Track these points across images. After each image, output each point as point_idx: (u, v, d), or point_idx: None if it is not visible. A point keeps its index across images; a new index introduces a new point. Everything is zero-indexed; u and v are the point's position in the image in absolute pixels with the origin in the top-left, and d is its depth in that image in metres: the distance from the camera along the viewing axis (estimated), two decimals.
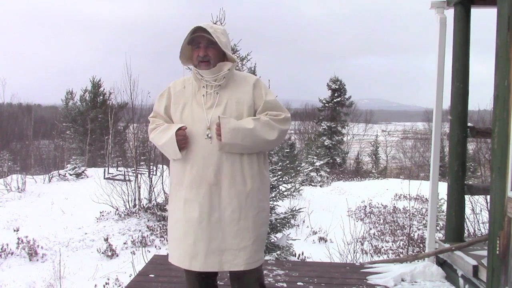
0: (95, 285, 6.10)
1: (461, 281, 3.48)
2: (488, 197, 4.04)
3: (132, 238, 8.73)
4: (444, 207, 5.82)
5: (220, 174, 2.27)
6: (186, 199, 2.30)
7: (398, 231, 10.49)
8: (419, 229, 10.42)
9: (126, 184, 11.12)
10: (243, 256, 2.29)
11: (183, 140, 2.26)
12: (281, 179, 7.34)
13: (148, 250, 7.76)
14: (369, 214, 12.39)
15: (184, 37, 2.32)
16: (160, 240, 8.70)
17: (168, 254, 2.48)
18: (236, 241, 2.27)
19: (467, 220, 6.38)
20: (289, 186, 8.09)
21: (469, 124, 3.83)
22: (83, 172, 17.20)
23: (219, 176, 2.27)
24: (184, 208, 2.30)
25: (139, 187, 10.87)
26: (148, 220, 9.96)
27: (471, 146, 15.94)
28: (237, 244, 2.28)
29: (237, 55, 6.77)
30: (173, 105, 2.39)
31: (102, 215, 10.41)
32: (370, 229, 10.64)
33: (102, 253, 7.87)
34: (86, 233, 9.25)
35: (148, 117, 2.55)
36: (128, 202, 10.85)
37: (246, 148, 2.27)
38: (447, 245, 3.73)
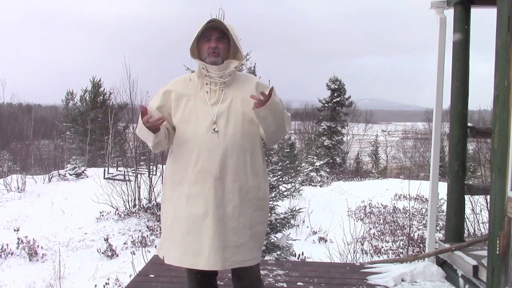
0: (95, 285, 6.10)
1: (461, 281, 3.48)
2: (488, 197, 4.04)
3: (132, 238, 8.73)
4: (444, 207, 5.81)
5: (225, 168, 2.26)
6: (189, 195, 2.27)
7: (398, 231, 10.50)
8: (419, 229, 10.42)
9: (126, 184, 11.13)
10: (240, 253, 2.28)
11: (149, 124, 2.19)
12: (281, 179, 7.34)
13: (148, 250, 7.76)
14: (369, 214, 12.39)
15: (195, 30, 2.30)
16: None
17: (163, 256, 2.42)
18: (234, 238, 2.27)
19: (467, 220, 6.38)
20: (289, 186, 8.10)
21: (469, 124, 3.83)
22: (83, 172, 17.21)
23: (223, 171, 2.25)
24: (187, 204, 2.27)
25: (139, 187, 10.87)
26: (148, 220, 9.96)
27: (471, 146, 15.92)
28: (236, 241, 2.27)
29: None
30: (174, 101, 2.34)
31: (102, 215, 10.42)
32: (370, 229, 10.64)
33: (102, 253, 7.88)
34: (86, 233, 9.26)
35: None
36: (128, 202, 10.85)
37: (270, 125, 2.29)
38: (447, 245, 3.73)
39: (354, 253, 6.51)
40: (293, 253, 6.98)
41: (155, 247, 8.36)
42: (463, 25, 3.77)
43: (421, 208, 12.49)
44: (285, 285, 3.57)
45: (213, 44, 2.31)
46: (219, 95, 2.32)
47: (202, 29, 2.30)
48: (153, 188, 11.13)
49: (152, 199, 11.03)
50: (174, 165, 2.36)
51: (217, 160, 2.25)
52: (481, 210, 7.21)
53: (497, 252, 2.51)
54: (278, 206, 7.32)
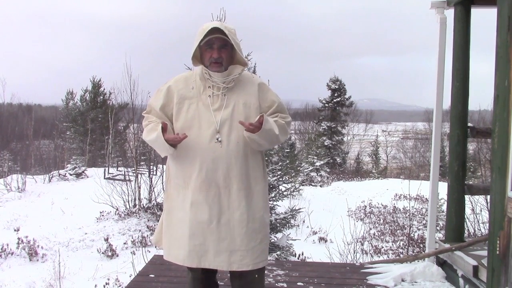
0: (95, 285, 6.10)
1: (461, 281, 3.48)
2: (488, 197, 4.04)
3: (132, 238, 8.73)
4: (444, 207, 5.82)
5: (229, 177, 2.26)
6: (193, 201, 2.27)
7: (398, 231, 10.49)
8: (419, 229, 10.42)
9: (126, 184, 11.13)
10: (251, 256, 2.30)
11: (173, 142, 2.20)
12: (281, 179, 7.34)
13: (148, 250, 7.76)
14: (369, 214, 12.39)
15: (196, 37, 2.26)
16: None
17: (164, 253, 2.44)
18: (244, 242, 2.28)
19: (467, 220, 6.38)
20: (289, 186, 8.09)
21: (469, 124, 3.83)
22: (83, 172, 17.21)
23: (228, 179, 2.26)
24: (190, 210, 2.27)
25: (139, 187, 10.87)
26: (148, 220, 9.96)
27: (471, 146, 15.94)
28: (246, 245, 2.28)
29: None
30: (176, 105, 2.31)
31: (102, 215, 10.42)
32: (370, 229, 10.64)
33: (102, 253, 7.87)
34: (86, 233, 9.26)
35: (142, 113, 2.46)
36: (128, 202, 10.85)
37: (262, 145, 2.30)
38: (447, 245, 3.73)
39: (354, 253, 6.51)
40: (293, 253, 6.98)
41: (155, 247, 8.37)
42: (463, 25, 3.77)
43: (421, 208, 12.49)
44: (285, 285, 3.57)
45: (215, 54, 2.27)
46: (222, 100, 2.30)
47: (204, 38, 2.25)
48: (153, 188, 11.13)
49: (152, 199, 11.03)
50: (178, 169, 2.34)
51: (221, 170, 2.25)
52: (481, 210, 7.21)
53: (497, 252, 2.51)
54: (278, 206, 7.31)
